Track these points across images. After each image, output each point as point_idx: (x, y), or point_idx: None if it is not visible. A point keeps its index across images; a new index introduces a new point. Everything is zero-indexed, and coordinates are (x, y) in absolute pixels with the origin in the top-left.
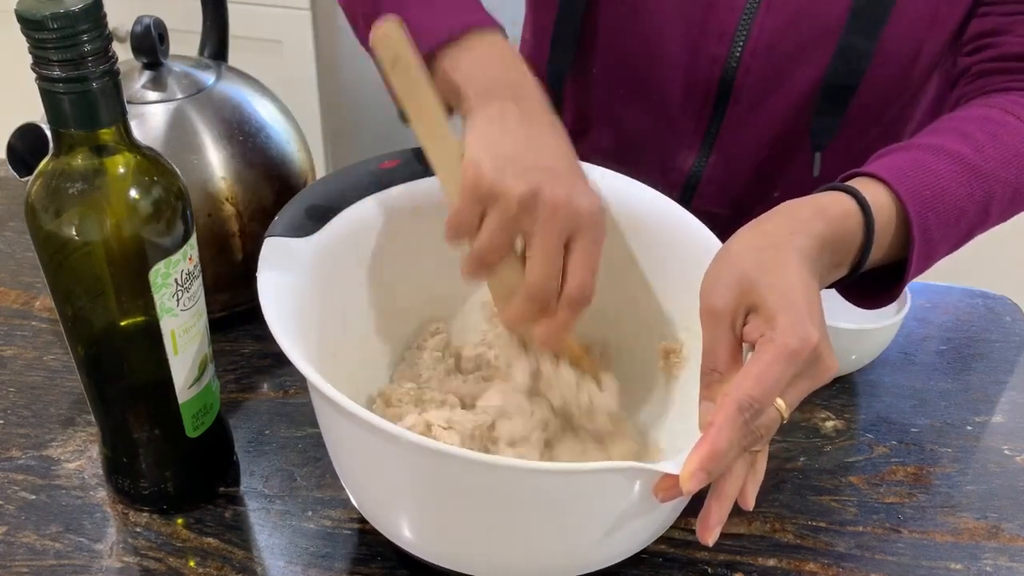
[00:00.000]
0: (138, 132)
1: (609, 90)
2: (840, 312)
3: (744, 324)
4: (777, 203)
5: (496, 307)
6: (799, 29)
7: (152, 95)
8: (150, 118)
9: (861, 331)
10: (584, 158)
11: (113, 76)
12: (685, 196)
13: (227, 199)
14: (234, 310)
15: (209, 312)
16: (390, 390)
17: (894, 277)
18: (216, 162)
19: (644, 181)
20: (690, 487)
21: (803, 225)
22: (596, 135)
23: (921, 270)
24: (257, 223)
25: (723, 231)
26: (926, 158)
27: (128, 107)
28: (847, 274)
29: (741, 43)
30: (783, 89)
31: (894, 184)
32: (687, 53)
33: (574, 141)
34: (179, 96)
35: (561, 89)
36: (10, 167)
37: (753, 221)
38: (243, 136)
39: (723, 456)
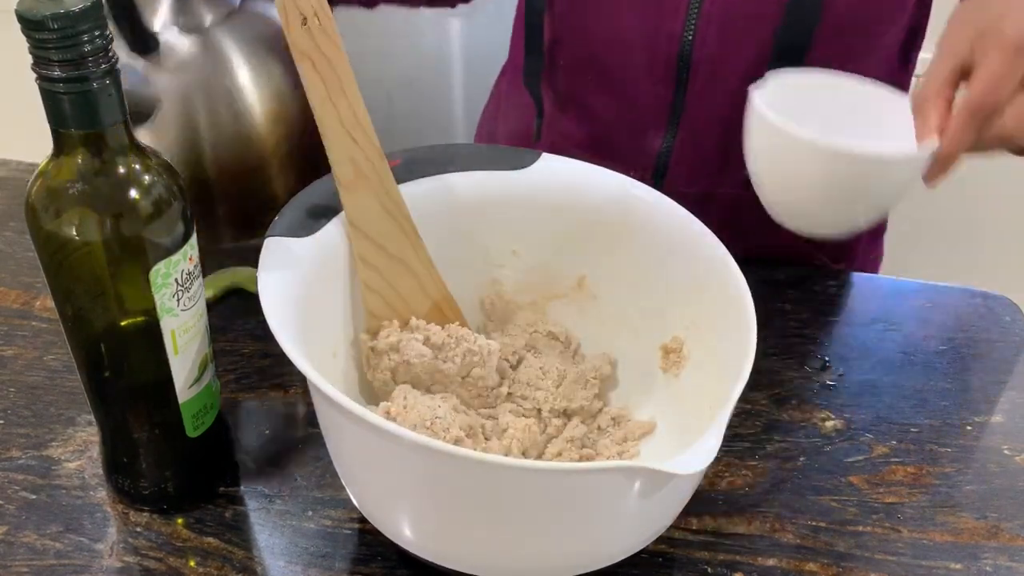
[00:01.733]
0: (167, 64)
1: (577, 79)
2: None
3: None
4: (747, 185)
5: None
6: None
7: (180, 21)
8: (178, 49)
9: (884, 160)
10: (558, 150)
11: (113, 76)
12: (656, 178)
13: (259, 125)
14: (246, 243)
15: (219, 242)
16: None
17: None
18: (247, 86)
19: (616, 167)
20: (935, 183)
21: None
22: (569, 126)
23: None
24: (286, 154)
25: (695, 210)
26: None
27: (158, 39)
28: None
29: (694, 17)
30: (739, 57)
31: None
32: (644, 33)
33: (548, 133)
34: (208, 22)
35: (539, 88)
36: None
37: None
38: (275, 58)
39: (956, 158)
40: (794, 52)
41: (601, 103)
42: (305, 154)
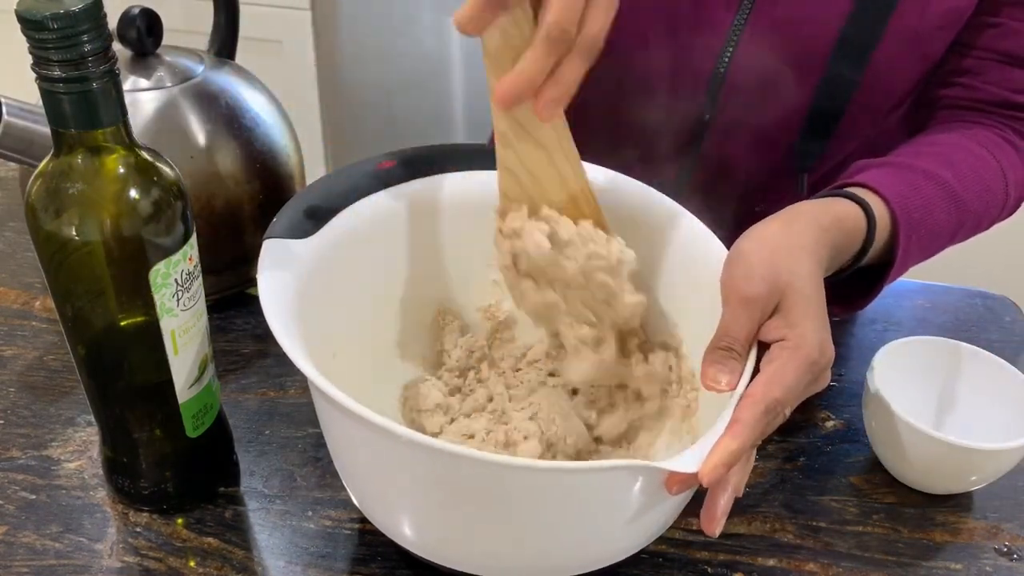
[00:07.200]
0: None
1: (606, 113)
2: (977, 433)
3: (768, 318)
4: (760, 217)
5: (491, 79)
6: (787, 52)
7: (142, 83)
8: (140, 106)
9: (995, 452)
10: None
11: (113, 76)
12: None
13: (207, 186)
14: (223, 295)
15: None
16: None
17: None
18: (199, 150)
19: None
20: (710, 480)
21: (825, 235)
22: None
23: (888, 283)
24: (238, 213)
25: None
26: (920, 182)
27: None
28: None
29: (727, 60)
30: (766, 112)
31: (895, 206)
32: (671, 66)
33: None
34: (167, 84)
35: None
36: None
37: (780, 217)
38: (227, 126)
39: (744, 453)
40: (827, 118)
41: (624, 131)
42: (246, 210)
